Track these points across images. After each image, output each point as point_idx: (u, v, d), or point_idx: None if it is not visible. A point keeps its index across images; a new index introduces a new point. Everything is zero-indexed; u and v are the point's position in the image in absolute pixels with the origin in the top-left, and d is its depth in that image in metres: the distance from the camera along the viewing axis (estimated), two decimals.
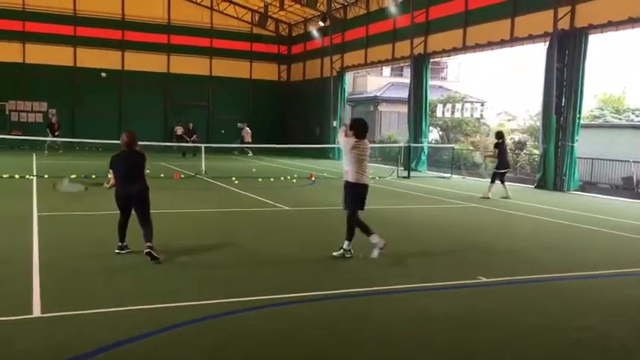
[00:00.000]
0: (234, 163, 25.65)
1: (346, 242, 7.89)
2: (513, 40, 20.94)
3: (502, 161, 15.60)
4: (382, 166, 26.67)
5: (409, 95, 26.28)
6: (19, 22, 31.52)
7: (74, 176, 16.65)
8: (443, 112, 30.91)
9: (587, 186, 19.35)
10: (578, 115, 18.18)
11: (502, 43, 21.47)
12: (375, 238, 7.76)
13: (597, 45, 20.44)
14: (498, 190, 15.52)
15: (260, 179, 18.20)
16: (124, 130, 7.78)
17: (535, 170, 20.48)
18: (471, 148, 27.59)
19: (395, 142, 29.96)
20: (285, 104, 37.86)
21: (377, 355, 4.60)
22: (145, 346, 4.60)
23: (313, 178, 19.29)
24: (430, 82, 26.58)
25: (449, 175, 22.36)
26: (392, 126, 37.22)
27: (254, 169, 22.12)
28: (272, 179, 18.37)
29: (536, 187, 18.84)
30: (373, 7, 29.20)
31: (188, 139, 28.61)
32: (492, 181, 15.64)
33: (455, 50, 24.07)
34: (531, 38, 20.11)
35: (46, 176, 16.50)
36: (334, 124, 31.78)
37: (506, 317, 5.68)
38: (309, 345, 4.77)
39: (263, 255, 7.98)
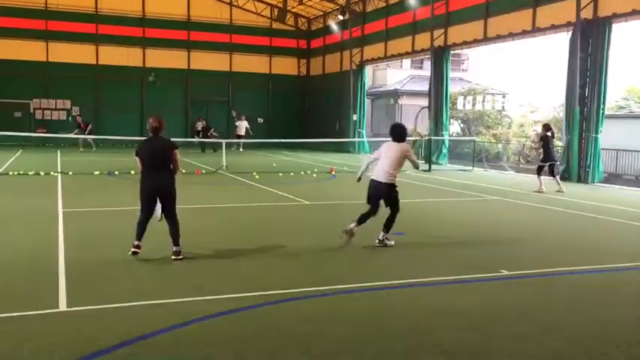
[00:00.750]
0: (255, 158, 25.75)
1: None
2: (535, 30, 20.66)
3: (548, 154, 15.31)
4: None
5: (429, 88, 26.11)
6: (42, 21, 31.98)
7: (97, 173, 16.92)
8: (464, 105, 30.63)
9: (612, 177, 19.05)
10: (602, 106, 17.89)
11: (524, 33, 21.20)
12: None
13: (622, 34, 20.06)
14: (535, 183, 15.35)
15: (280, 174, 18.25)
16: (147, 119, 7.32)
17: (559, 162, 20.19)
18: (493, 140, 27.33)
19: (418, 135, 29.77)
20: (304, 99, 37.89)
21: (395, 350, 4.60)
22: (170, 338, 4.66)
23: (334, 173, 19.29)
24: (451, 75, 26.34)
25: (470, 167, 22.18)
26: (412, 119, 36.96)
27: (274, 164, 22.19)
28: (292, 174, 18.41)
29: (559, 180, 18.58)
30: None
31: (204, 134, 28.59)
32: (539, 174, 15.38)
33: (475, 42, 23.82)
34: (553, 28, 19.82)
35: (70, 173, 16.75)
36: (354, 118, 31.72)
37: (529, 311, 5.63)
38: (333, 339, 4.78)
39: (284, 249, 8.02)
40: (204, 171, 18.64)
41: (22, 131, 24.90)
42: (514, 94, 34.79)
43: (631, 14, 17.07)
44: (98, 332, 4.74)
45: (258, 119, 36.26)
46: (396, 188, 8.16)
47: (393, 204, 8.13)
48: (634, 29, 21.63)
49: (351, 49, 32.06)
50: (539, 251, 8.31)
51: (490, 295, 6.17)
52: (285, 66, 37.75)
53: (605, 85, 17.84)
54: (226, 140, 21.95)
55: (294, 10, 36.31)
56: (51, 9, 32.12)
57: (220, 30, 35.50)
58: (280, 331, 4.89)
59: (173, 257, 7.09)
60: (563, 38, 19.37)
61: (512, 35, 21.75)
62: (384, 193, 8.07)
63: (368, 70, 33.51)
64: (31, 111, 32.08)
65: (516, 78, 37.00)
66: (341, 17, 31.60)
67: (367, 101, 33.91)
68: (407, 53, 28.73)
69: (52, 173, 16.63)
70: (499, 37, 22.43)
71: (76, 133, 26.25)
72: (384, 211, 8.19)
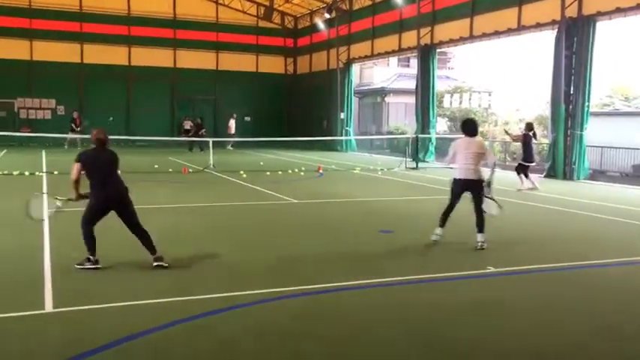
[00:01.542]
0: (242, 157, 25.68)
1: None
2: (520, 28, 20.79)
3: (527, 154, 15.22)
4: (390, 157, 26.63)
5: (416, 86, 26.20)
6: (25, 19, 31.62)
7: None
8: (450, 103, 30.79)
9: (597, 174, 19.24)
10: (587, 104, 18.04)
11: (509, 32, 21.33)
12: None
13: (606, 32, 20.24)
14: (516, 182, 15.36)
15: (268, 173, 18.23)
16: (96, 129, 6.84)
17: (544, 159, 20.36)
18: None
19: (402, 133, 29.88)
20: (291, 97, 37.84)
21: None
22: (158, 338, 4.64)
23: (321, 171, 19.30)
24: (437, 73, 26.44)
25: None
26: (399, 117, 37.10)
27: (262, 163, 22.15)
28: (280, 172, 18.39)
29: (545, 177, 18.71)
30: None
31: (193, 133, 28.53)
32: (519, 174, 15.15)
33: (462, 40, 23.93)
34: (539, 26, 19.96)
35: (55, 172, 16.60)
36: (341, 117, 31.74)
37: (513, 307, 5.67)
38: (320, 338, 4.79)
39: (271, 247, 8.00)
40: (191, 170, 18.57)
41: (6, 131, 24.59)
42: (500, 92, 35.03)
43: (615, 12, 17.23)
44: (85, 332, 4.71)
45: (246, 118, 36.15)
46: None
47: (480, 199, 8.15)
48: (617, 27, 21.87)
49: (337, 48, 32.06)
50: (525, 248, 8.37)
51: (476, 291, 6.20)
52: (272, 64, 37.66)
53: (590, 82, 17.99)
54: (213, 139, 21.83)
55: (280, 8, 36.23)
56: (35, 7, 31.76)
57: (207, 28, 35.32)
58: (269, 330, 4.88)
59: (155, 264, 6.64)
60: (549, 36, 19.54)
61: (498, 33, 21.87)
62: (474, 189, 8.12)
63: (355, 68, 33.54)
64: (15, 110, 31.72)
65: (502, 76, 37.22)
66: (327, 15, 31.58)
67: (354, 99, 33.94)
68: (394, 51, 28.79)
69: (37, 173, 16.47)
70: (485, 35, 22.55)
71: (71, 130, 26.51)
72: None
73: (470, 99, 30.66)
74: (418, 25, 25.46)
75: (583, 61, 17.90)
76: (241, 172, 17.83)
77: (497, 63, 37.65)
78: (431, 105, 25.55)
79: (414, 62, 30.45)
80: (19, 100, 31.79)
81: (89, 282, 6.15)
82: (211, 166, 18.99)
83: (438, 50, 26.17)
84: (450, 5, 24.34)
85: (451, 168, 8.50)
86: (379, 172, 19.33)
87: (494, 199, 8.50)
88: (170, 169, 18.55)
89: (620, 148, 19.28)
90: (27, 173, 16.27)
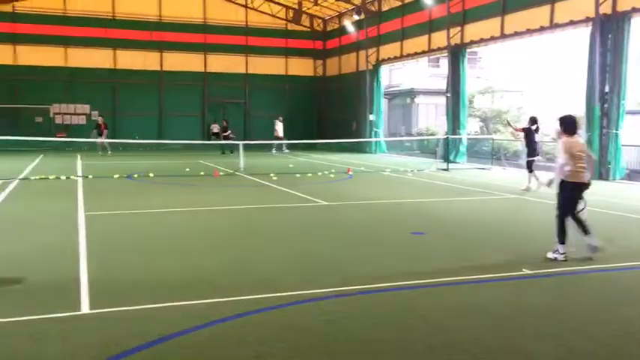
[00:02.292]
0: (271, 159, 25.81)
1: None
2: (553, 26, 20.43)
3: (531, 149, 14.81)
4: (420, 159, 26.45)
5: (447, 86, 25.97)
6: (60, 26, 32.38)
7: (117, 176, 17.08)
8: (481, 103, 30.43)
9: (634, 174, 18.75)
10: (622, 102, 17.63)
11: (542, 30, 20.98)
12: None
13: None
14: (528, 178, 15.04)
15: (298, 175, 18.27)
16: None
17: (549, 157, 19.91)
18: (512, 138, 27.07)
19: (432, 134, 29.66)
20: (321, 99, 37.92)
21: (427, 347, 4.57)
22: (191, 339, 4.68)
23: (351, 173, 19.26)
24: (468, 73, 26.16)
25: (489, 166, 22.01)
26: (429, 118, 36.86)
27: (291, 165, 22.22)
28: (309, 175, 18.42)
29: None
30: None
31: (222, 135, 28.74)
32: (531, 171, 14.81)
33: (493, 39, 23.63)
34: (572, 24, 19.59)
35: (90, 176, 16.93)
36: (371, 118, 31.66)
37: (552, 310, 5.56)
38: (354, 339, 4.77)
39: (302, 250, 8.01)
40: (221, 173, 18.73)
41: (42, 136, 25.19)
42: (533, 91, 34.49)
43: None
44: (121, 334, 4.78)
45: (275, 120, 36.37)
46: None
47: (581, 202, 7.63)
48: None
49: (367, 49, 32.00)
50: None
51: (512, 294, 6.10)
52: (301, 67, 37.80)
53: (626, 80, 17.58)
54: (243, 142, 21.96)
55: (309, 11, 36.34)
56: (69, 15, 32.52)
57: (236, 32, 35.68)
58: (300, 332, 4.89)
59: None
60: (582, 34, 19.14)
61: (529, 32, 21.54)
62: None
63: (384, 69, 33.41)
64: (51, 116, 32.49)
65: (534, 75, 36.62)
66: (356, 17, 31.56)
67: (384, 101, 33.81)
68: (423, 52, 28.57)
69: (72, 177, 16.82)
70: (517, 34, 22.22)
71: (94, 134, 26.72)
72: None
73: (502, 98, 30.23)
74: (448, 25, 25.25)
75: (618, 58, 17.50)
76: (271, 174, 17.92)
77: (528, 62, 37.01)
78: (462, 105, 25.29)
79: (444, 62, 30.23)
80: (54, 106, 32.54)
81: (124, 283, 6.25)
82: (241, 169, 19.13)
83: (468, 50, 25.89)
84: (480, 4, 24.06)
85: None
86: (409, 174, 19.21)
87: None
88: (202, 172, 18.76)
89: None
90: (63, 177, 16.62)
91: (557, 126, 7.72)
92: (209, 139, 30.16)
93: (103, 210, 11.15)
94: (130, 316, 5.25)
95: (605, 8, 17.83)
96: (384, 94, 34.25)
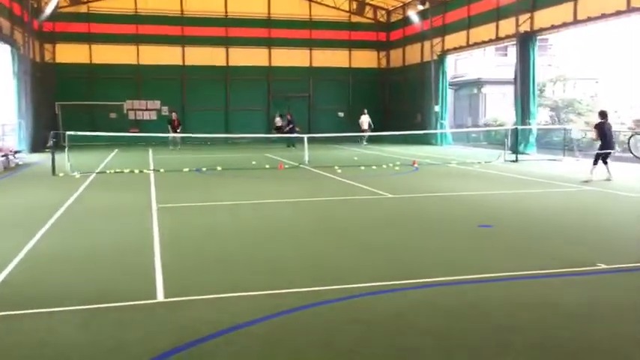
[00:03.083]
0: (336, 152, 25.88)
1: None
2: (630, 10, 19.42)
3: (605, 142, 14.64)
4: (487, 150, 25.85)
5: (515, 75, 25.22)
6: (132, 25, 33.63)
7: (187, 169, 17.62)
8: (553, 92, 29.37)
9: None
10: None
11: (618, 14, 19.99)
12: None
13: None
14: (602, 172, 14.57)
15: (362, 167, 18.26)
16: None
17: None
18: (587, 128, 26.02)
19: (500, 124, 28.89)
20: (385, 91, 37.67)
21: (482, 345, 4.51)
22: (262, 328, 4.80)
23: (416, 165, 19.07)
24: (537, 60, 25.26)
25: (560, 157, 21.25)
26: (497, 108, 35.92)
27: (355, 158, 22.22)
28: (374, 167, 18.37)
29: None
30: None
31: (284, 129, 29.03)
32: (595, 163, 14.68)
33: (565, 25, 22.70)
34: None
35: (162, 170, 17.55)
36: (436, 109, 31.18)
37: (629, 307, 5.35)
38: (418, 333, 4.76)
39: (368, 242, 8.03)
40: (287, 166, 18.97)
41: (117, 131, 26.28)
42: (608, 79, 32.96)
43: None
44: (194, 322, 4.96)
45: (339, 113, 36.49)
46: None
47: None
48: None
49: (431, 39, 31.49)
50: (636, 243, 7.85)
51: (586, 290, 5.90)
52: (365, 59, 37.65)
53: None
54: (307, 135, 22.10)
55: (372, 2, 36.11)
56: (140, 14, 33.71)
57: (300, 26, 35.92)
58: (365, 324, 4.92)
59: None
60: None
61: (604, 16, 20.55)
62: None
63: (449, 59, 32.78)
64: (125, 112, 33.82)
65: (611, 62, 34.94)
66: (421, 7, 31.09)
67: (449, 91, 33.20)
68: (490, 40, 27.81)
69: (145, 170, 17.48)
70: (590, 19, 21.27)
71: (169, 130, 27.71)
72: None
73: (574, 87, 29.06)
74: (516, 12, 24.48)
75: None
76: (336, 167, 17.99)
77: (603, 48, 35.35)
78: (531, 94, 24.47)
79: (512, 51, 29.33)
80: (127, 102, 33.88)
81: (197, 273, 6.47)
82: (306, 161, 19.30)
83: (539, 37, 25.00)
84: None
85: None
86: (476, 166, 18.82)
87: None
88: (267, 165, 19.07)
89: None
90: (136, 171, 17.30)
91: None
92: (276, 132, 30.46)
93: (174, 202, 11.53)
94: (202, 304, 5.44)
95: None
96: (450, 85, 33.64)
